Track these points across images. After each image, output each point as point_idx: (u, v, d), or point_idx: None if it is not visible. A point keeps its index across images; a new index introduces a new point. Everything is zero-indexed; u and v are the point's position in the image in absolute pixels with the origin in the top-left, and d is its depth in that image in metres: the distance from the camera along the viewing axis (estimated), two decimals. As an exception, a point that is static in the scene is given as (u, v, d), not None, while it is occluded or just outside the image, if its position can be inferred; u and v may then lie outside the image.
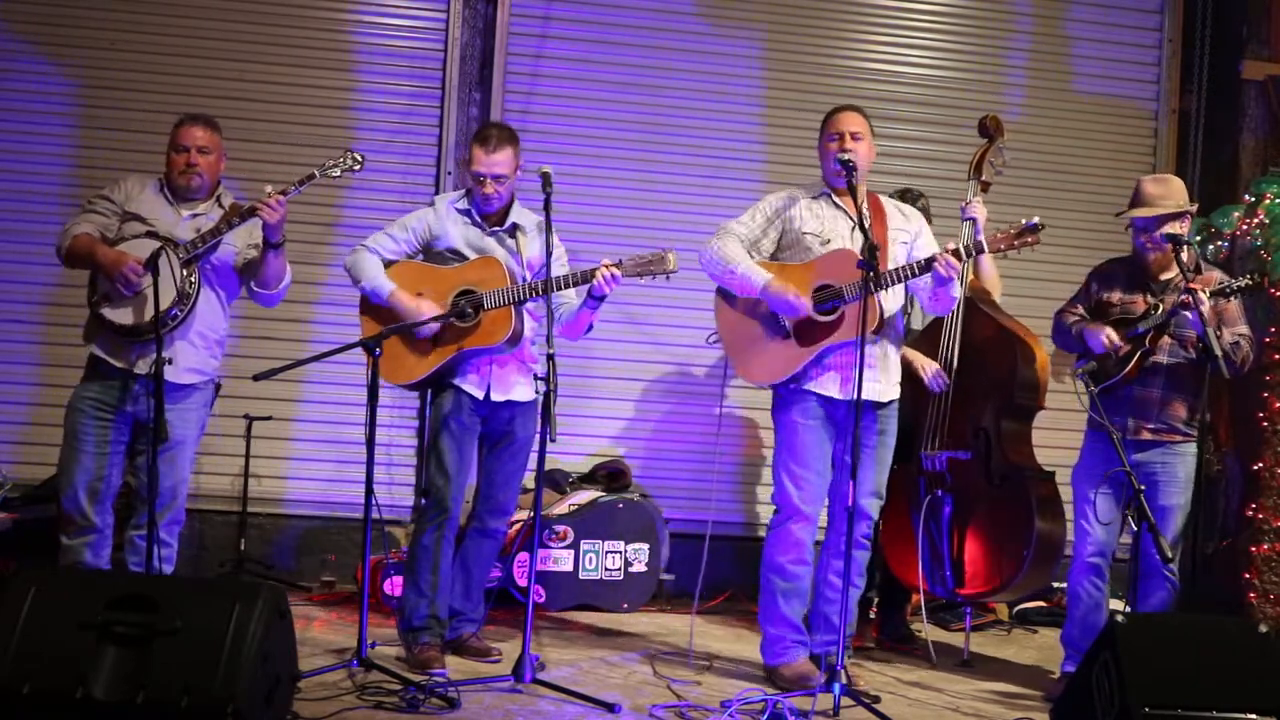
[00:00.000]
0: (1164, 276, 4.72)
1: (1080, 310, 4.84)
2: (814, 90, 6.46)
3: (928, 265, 4.33)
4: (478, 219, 4.63)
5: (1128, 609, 4.39)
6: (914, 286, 4.54)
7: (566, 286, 4.47)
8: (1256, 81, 6.44)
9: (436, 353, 4.54)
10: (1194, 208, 4.75)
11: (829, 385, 4.47)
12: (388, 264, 4.62)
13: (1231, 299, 4.62)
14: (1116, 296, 4.77)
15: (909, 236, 4.57)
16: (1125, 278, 4.80)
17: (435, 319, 4.48)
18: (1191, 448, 4.70)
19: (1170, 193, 4.69)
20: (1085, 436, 4.86)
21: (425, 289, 4.55)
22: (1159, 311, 4.60)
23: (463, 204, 4.67)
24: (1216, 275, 4.72)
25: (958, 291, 4.54)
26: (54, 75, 6.10)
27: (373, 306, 4.61)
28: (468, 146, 6.33)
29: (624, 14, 6.50)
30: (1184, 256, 4.53)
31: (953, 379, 5.11)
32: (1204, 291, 4.45)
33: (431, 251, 4.66)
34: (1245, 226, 5.75)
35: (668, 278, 4.49)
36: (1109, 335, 4.63)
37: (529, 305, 4.60)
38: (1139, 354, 4.61)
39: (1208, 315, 4.42)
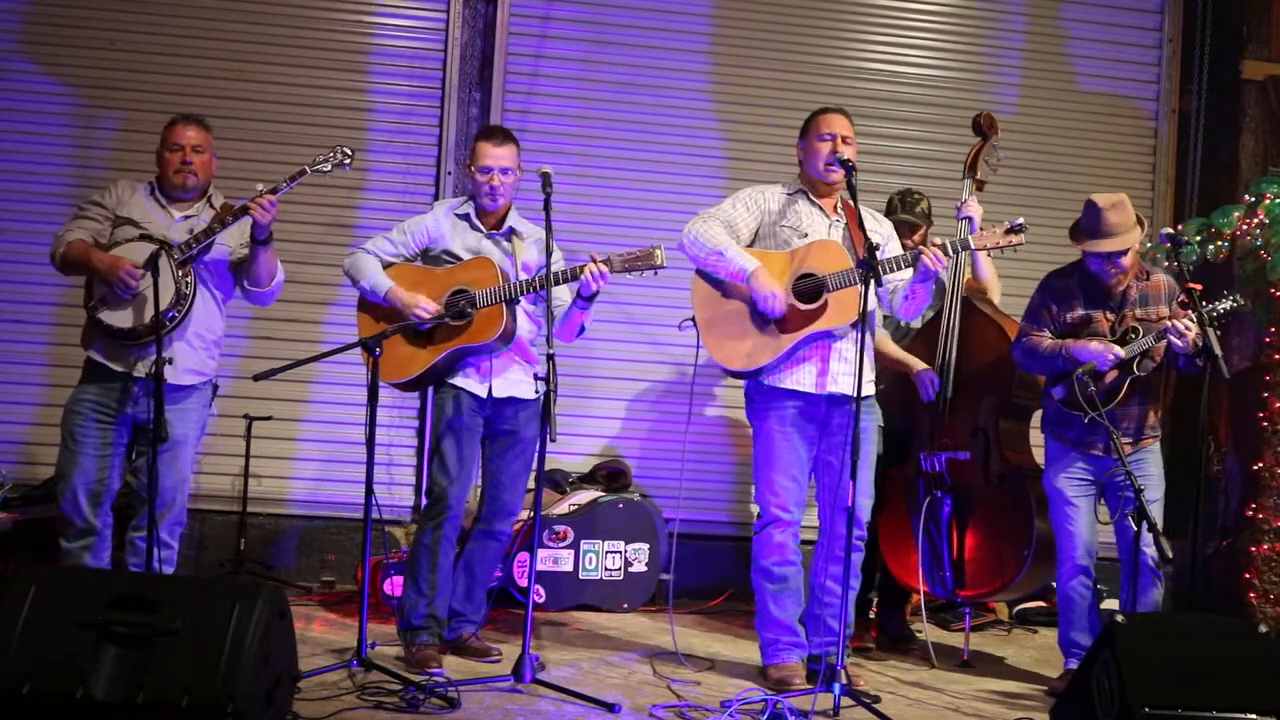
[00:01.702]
0: (1119, 289, 4.73)
1: (1047, 334, 4.81)
2: (815, 89, 6.45)
3: (916, 257, 4.34)
4: (476, 223, 4.66)
5: (1121, 607, 4.41)
6: (883, 292, 4.51)
7: (556, 284, 4.47)
8: (1256, 81, 6.44)
9: (430, 350, 4.55)
10: (1145, 224, 4.76)
11: (804, 378, 4.48)
12: (385, 266, 4.65)
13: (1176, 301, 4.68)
14: (1078, 316, 4.76)
15: (881, 239, 4.58)
16: (1081, 294, 4.78)
17: (432, 320, 4.50)
18: (1157, 444, 4.77)
19: (1127, 216, 4.65)
20: (1047, 441, 4.86)
21: (420, 289, 4.58)
22: (1141, 336, 4.62)
23: (462, 209, 4.70)
24: (1166, 280, 4.75)
25: (931, 294, 4.55)
26: (54, 75, 6.10)
27: (370, 305, 4.64)
28: (468, 147, 6.35)
29: (624, 14, 6.50)
30: (1181, 259, 4.58)
31: (951, 379, 5.11)
32: (1190, 321, 4.49)
33: (429, 255, 4.70)
34: (1245, 226, 5.75)
35: (655, 273, 4.52)
36: (1113, 350, 4.61)
37: (528, 308, 4.63)
38: (1128, 381, 4.64)
39: (1192, 341, 4.47)
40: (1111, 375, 4.63)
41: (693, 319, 4.68)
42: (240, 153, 5.89)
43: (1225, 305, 4.59)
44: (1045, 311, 4.82)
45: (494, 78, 6.37)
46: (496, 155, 4.60)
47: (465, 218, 4.68)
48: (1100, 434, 4.55)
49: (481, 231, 4.66)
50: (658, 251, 4.45)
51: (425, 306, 4.52)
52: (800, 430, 4.53)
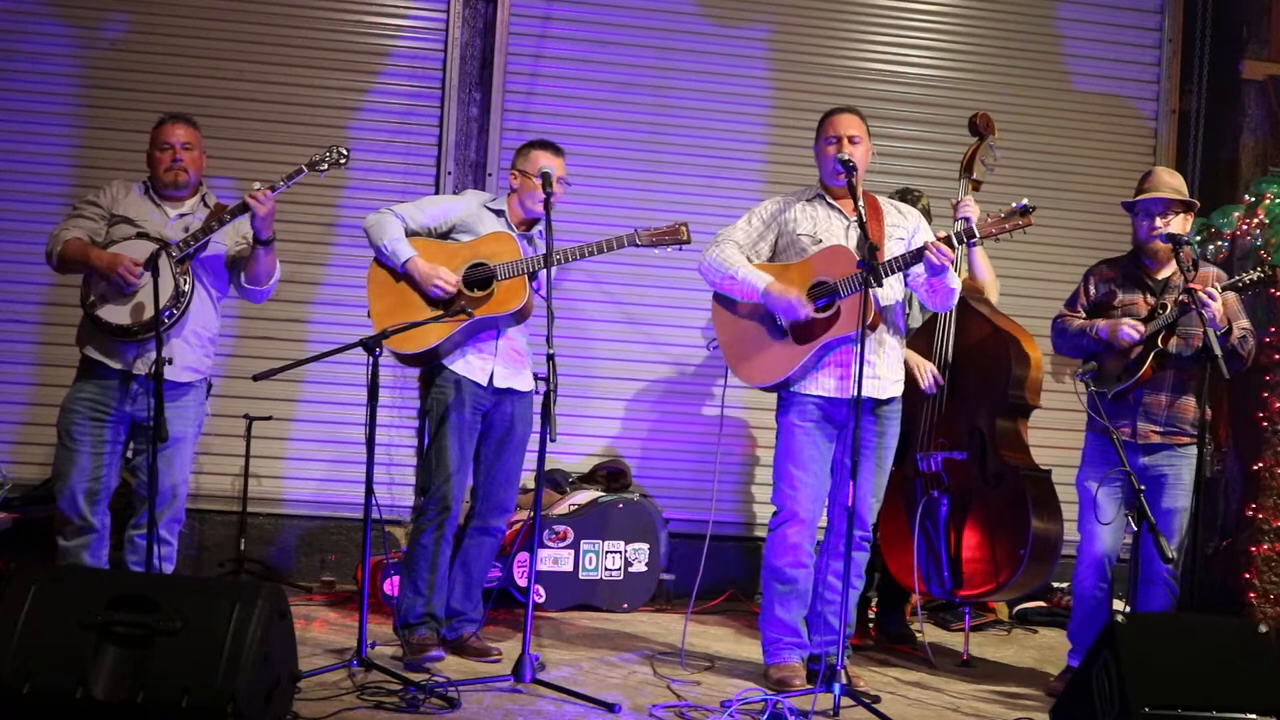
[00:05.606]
0: (1162, 275, 4.73)
1: (1081, 314, 4.83)
2: (815, 90, 6.46)
3: (918, 254, 4.34)
4: (510, 222, 4.69)
5: (1127, 609, 4.40)
6: (913, 284, 4.55)
7: (580, 258, 4.58)
8: (1256, 81, 6.43)
9: (447, 322, 4.53)
10: (1196, 205, 4.78)
11: (827, 383, 4.47)
12: (408, 234, 4.65)
13: (1230, 292, 4.61)
14: (1118, 299, 4.76)
15: (905, 233, 4.58)
16: (1123, 278, 4.79)
17: (442, 317, 4.48)
18: (1194, 449, 4.68)
19: (1182, 187, 4.72)
20: (1086, 439, 4.85)
21: (437, 262, 4.58)
22: (1168, 310, 4.60)
23: (496, 205, 4.74)
24: (1214, 272, 4.72)
25: (955, 283, 4.52)
26: (54, 75, 6.10)
27: (386, 268, 4.61)
28: (470, 147, 6.34)
29: (624, 14, 6.50)
30: (1182, 255, 4.55)
31: (947, 379, 5.11)
32: (1215, 288, 4.45)
33: (446, 238, 4.70)
34: (1245, 226, 5.75)
35: (680, 248, 4.66)
36: (1134, 325, 4.60)
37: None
38: (1153, 354, 4.61)
39: (1219, 314, 4.42)
40: (1136, 351, 4.62)
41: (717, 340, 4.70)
42: (240, 152, 5.90)
43: (1252, 275, 4.58)
44: (1083, 293, 4.85)
45: (494, 78, 6.37)
46: (561, 165, 4.66)
47: (500, 214, 4.70)
48: (1128, 418, 4.54)
49: (513, 232, 4.68)
50: (683, 228, 4.64)
51: (445, 278, 4.53)
52: (823, 430, 4.52)
